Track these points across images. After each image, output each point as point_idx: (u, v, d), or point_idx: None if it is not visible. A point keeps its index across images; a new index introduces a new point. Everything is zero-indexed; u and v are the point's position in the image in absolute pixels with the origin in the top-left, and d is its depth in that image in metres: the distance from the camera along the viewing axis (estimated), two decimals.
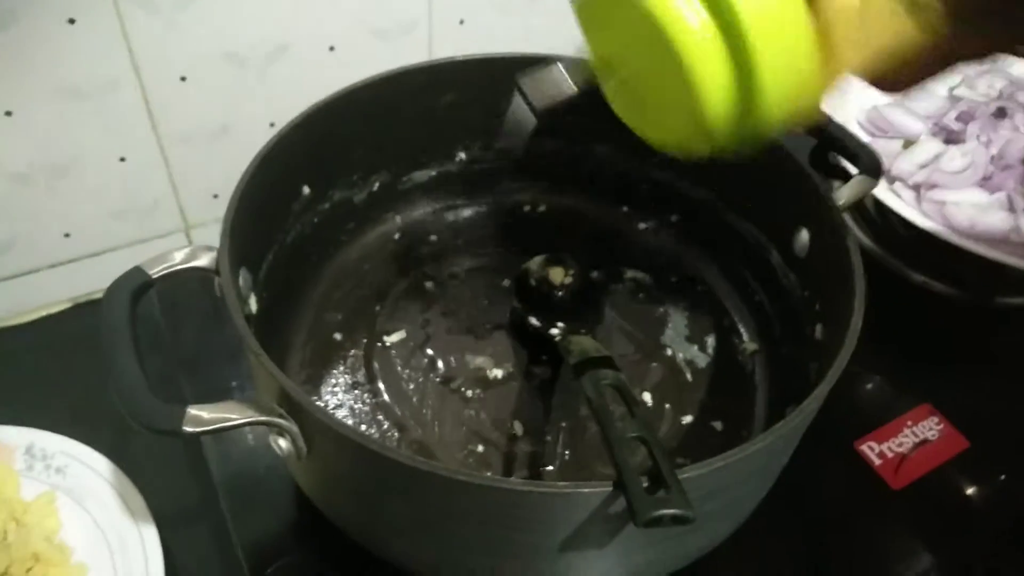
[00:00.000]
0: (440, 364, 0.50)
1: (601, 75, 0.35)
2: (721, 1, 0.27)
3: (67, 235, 0.58)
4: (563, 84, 0.38)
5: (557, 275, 0.49)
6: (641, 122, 0.35)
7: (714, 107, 0.29)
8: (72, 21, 0.49)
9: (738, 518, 0.40)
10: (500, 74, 0.52)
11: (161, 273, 0.37)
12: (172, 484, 0.49)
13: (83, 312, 0.59)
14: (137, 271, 0.37)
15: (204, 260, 0.38)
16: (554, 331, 0.48)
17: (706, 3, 0.28)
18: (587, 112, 0.53)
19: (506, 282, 0.54)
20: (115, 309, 0.35)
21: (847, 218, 0.42)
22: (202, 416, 0.32)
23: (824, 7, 0.29)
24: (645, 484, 0.29)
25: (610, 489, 0.30)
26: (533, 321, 0.49)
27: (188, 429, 0.32)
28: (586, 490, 0.31)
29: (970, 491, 0.51)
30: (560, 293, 0.49)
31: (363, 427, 0.47)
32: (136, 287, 0.36)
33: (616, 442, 0.31)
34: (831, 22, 0.28)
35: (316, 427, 0.33)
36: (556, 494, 0.31)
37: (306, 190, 0.49)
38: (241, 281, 0.40)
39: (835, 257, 0.41)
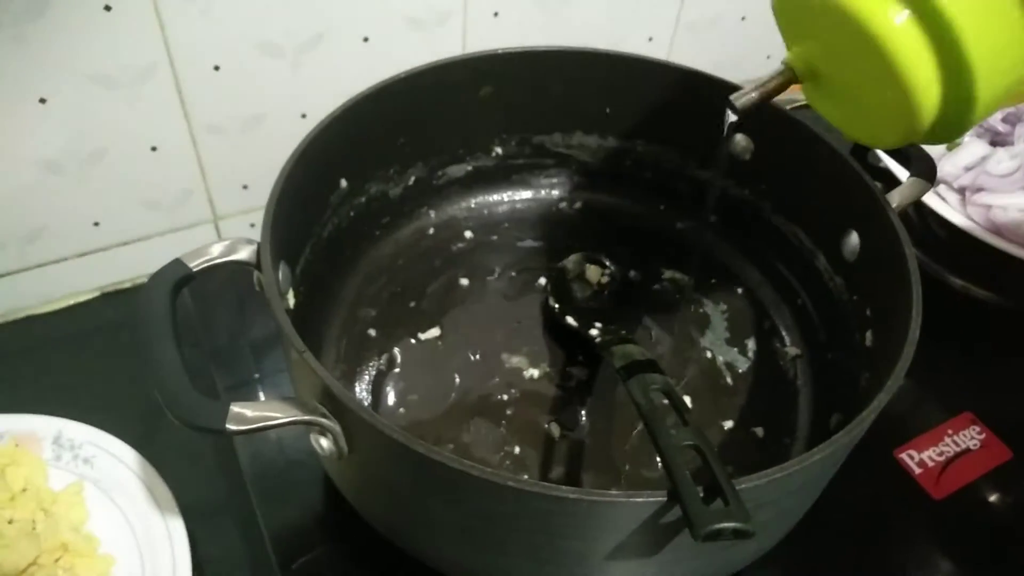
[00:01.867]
0: (475, 363, 0.49)
1: (802, 75, 0.35)
2: (934, 12, 0.27)
3: (96, 224, 0.58)
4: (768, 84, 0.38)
5: (594, 274, 0.49)
6: (843, 119, 0.35)
7: (927, 106, 0.29)
8: (108, 8, 0.48)
9: (785, 528, 0.39)
10: (538, 68, 0.52)
11: (201, 266, 0.36)
12: (199, 476, 0.49)
13: (111, 301, 0.59)
14: (177, 264, 0.36)
15: (244, 254, 0.37)
16: (592, 331, 0.47)
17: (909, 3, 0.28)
18: (626, 108, 0.53)
19: (542, 280, 0.53)
20: (155, 302, 0.34)
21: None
22: (245, 414, 0.32)
23: None
24: (701, 495, 0.28)
25: (664, 500, 0.29)
26: (570, 321, 0.48)
27: (232, 427, 0.31)
28: (639, 500, 0.30)
29: (1013, 501, 0.50)
30: (597, 292, 0.48)
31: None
32: (177, 280, 0.36)
33: (669, 450, 0.31)
34: None
35: (360, 427, 0.32)
36: (607, 503, 0.30)
37: (344, 183, 0.48)
38: (280, 276, 0.39)
39: (889, 262, 0.40)
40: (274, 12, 0.53)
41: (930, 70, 0.28)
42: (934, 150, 0.60)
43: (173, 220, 0.60)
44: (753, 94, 0.38)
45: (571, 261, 0.49)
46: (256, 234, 0.39)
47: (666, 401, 0.36)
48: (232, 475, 0.48)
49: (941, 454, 0.51)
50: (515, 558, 0.35)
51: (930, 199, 0.55)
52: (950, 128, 0.31)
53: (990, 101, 0.29)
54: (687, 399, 0.48)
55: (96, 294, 0.59)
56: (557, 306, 0.49)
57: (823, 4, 0.30)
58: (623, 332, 0.46)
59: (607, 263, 0.49)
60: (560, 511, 0.31)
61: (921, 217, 0.61)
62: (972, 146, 0.59)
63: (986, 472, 0.51)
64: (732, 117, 0.39)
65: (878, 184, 0.45)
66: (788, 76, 0.36)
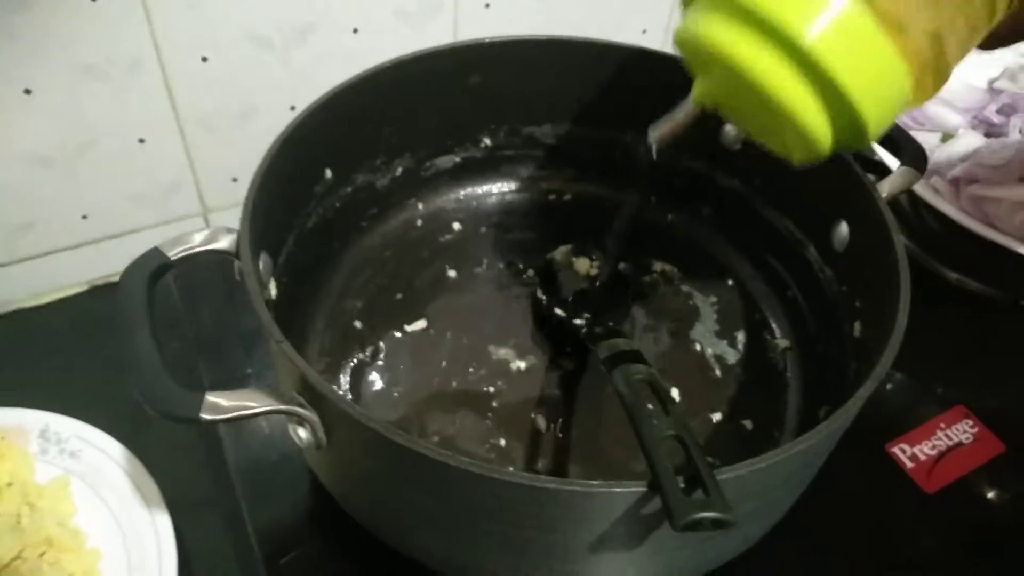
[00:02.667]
0: (462, 355, 0.49)
1: (709, 108, 0.37)
2: (811, 62, 0.29)
3: (85, 217, 0.58)
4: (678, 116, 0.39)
5: (583, 266, 0.48)
6: (759, 138, 0.36)
7: (821, 139, 0.32)
8: None
9: (772, 520, 0.38)
10: (527, 57, 0.51)
11: (180, 255, 0.36)
12: (186, 471, 0.48)
13: (100, 295, 0.59)
14: (155, 252, 0.36)
15: (224, 243, 0.37)
16: (579, 322, 0.47)
17: (792, 60, 0.30)
18: (617, 98, 0.53)
19: (531, 271, 0.53)
20: (132, 291, 0.34)
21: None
22: (220, 404, 0.32)
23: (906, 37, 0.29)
24: (682, 485, 0.28)
25: (644, 490, 0.29)
26: (558, 312, 0.48)
27: (206, 417, 0.31)
28: (619, 489, 0.29)
29: (1006, 495, 0.50)
30: (586, 284, 0.48)
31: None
32: (154, 269, 0.35)
33: (650, 441, 0.30)
34: (917, 51, 0.30)
35: (338, 417, 0.32)
36: (587, 493, 0.30)
37: (328, 173, 0.48)
38: (261, 265, 0.39)
39: (877, 252, 0.39)
40: (263, 3, 0.53)
41: (816, 111, 0.30)
42: (927, 141, 0.59)
43: (162, 213, 0.60)
44: (665, 128, 0.39)
45: (560, 252, 0.49)
46: None
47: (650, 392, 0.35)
48: (219, 470, 0.48)
49: (934, 448, 0.51)
50: (498, 551, 0.35)
51: (923, 191, 0.54)
52: (855, 143, 0.32)
53: (880, 121, 0.31)
54: (675, 391, 0.47)
55: (84, 287, 0.59)
56: (545, 298, 0.49)
57: (711, 51, 0.32)
58: (611, 324, 0.46)
59: (596, 255, 0.48)
60: (539, 501, 0.30)
61: (915, 209, 0.61)
62: (966, 137, 0.58)
63: (979, 466, 0.50)
64: (652, 148, 0.40)
65: (869, 175, 0.44)
66: (697, 111, 0.37)
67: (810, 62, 0.29)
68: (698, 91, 0.36)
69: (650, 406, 0.34)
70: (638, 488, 0.29)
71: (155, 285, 0.35)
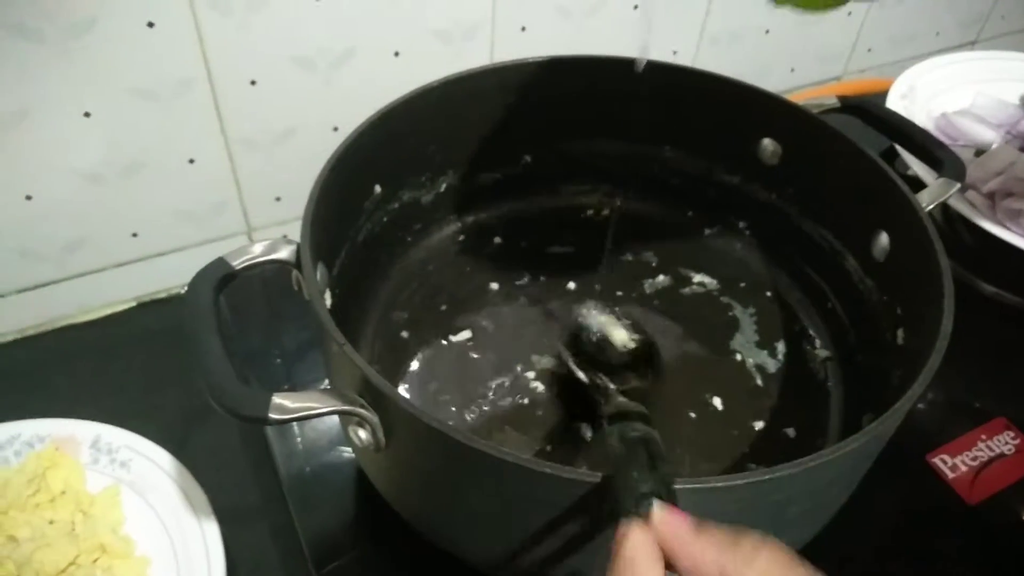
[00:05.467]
0: (505, 364, 0.50)
1: None
2: None
3: (135, 235, 0.59)
4: None
5: (620, 337, 0.46)
6: None
7: None
8: (151, 24, 0.50)
9: (818, 525, 0.39)
10: (565, 76, 0.52)
11: (243, 264, 0.37)
12: (234, 480, 0.49)
13: (148, 311, 0.60)
14: (220, 262, 0.37)
15: (284, 253, 0.38)
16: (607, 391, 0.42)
17: None
18: (655, 112, 0.54)
19: (571, 284, 0.53)
20: (199, 298, 0.35)
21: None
22: (286, 404, 0.32)
23: None
24: None
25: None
26: (580, 375, 0.44)
27: (273, 416, 0.32)
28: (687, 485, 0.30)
29: None
30: (622, 356, 0.45)
31: None
32: (220, 278, 0.36)
33: (623, 491, 0.29)
34: None
35: (399, 417, 0.33)
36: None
37: (378, 189, 0.49)
38: (318, 276, 0.40)
39: (919, 259, 0.40)
40: (308, 28, 0.55)
41: None
42: (961, 156, 0.60)
43: (208, 231, 0.62)
44: None
45: (595, 318, 0.46)
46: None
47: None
48: (266, 478, 0.49)
49: (975, 459, 0.51)
50: (555, 551, 0.36)
51: (959, 204, 0.55)
52: None
53: None
54: (718, 400, 0.48)
55: (133, 304, 0.61)
56: (571, 356, 0.46)
57: None
58: (634, 391, 0.42)
59: (634, 328, 0.46)
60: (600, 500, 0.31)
61: (949, 223, 0.61)
62: (1002, 152, 0.59)
63: (1021, 477, 0.50)
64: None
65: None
66: None
67: None
68: None
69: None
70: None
71: (220, 293, 0.36)
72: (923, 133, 0.45)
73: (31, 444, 0.48)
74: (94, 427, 0.49)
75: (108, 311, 0.60)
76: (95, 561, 0.44)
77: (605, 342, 0.46)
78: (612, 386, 0.41)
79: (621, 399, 0.40)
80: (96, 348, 0.57)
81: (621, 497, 0.29)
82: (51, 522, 0.45)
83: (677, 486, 0.29)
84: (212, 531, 0.44)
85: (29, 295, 0.57)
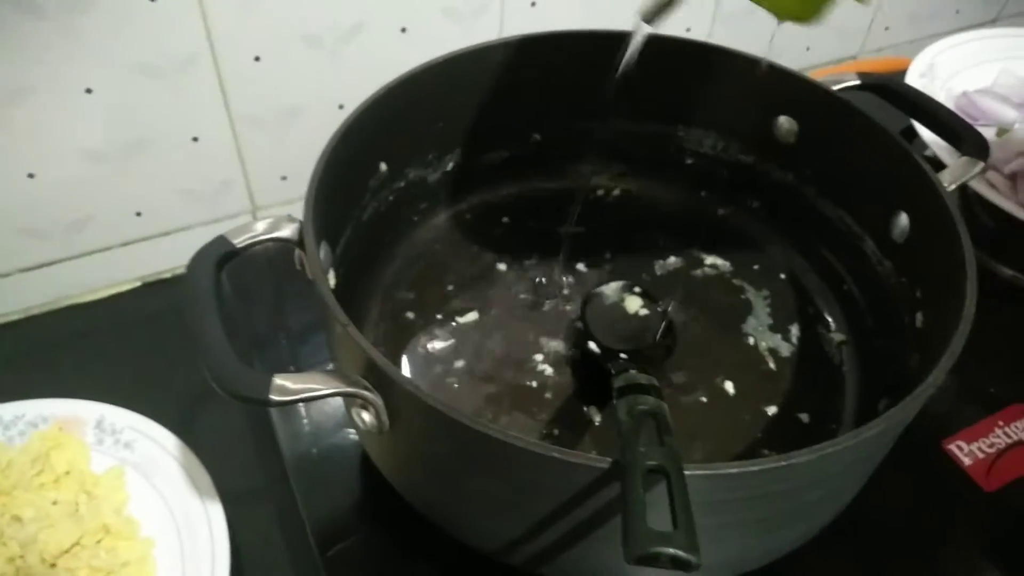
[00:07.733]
0: (513, 346, 0.49)
1: None
2: None
3: (139, 214, 0.59)
4: None
5: (633, 304, 0.47)
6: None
7: None
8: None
9: (833, 511, 0.38)
10: (575, 51, 0.51)
11: (245, 243, 0.37)
12: (238, 461, 0.49)
13: (152, 291, 0.60)
14: (221, 240, 0.36)
15: (287, 231, 0.37)
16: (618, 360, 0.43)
17: None
18: (666, 92, 0.52)
19: (580, 265, 0.52)
20: (200, 278, 0.35)
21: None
22: (287, 386, 0.32)
23: None
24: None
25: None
26: (593, 347, 0.45)
27: (274, 398, 0.31)
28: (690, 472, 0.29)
29: None
30: (633, 323, 0.45)
31: None
32: (220, 256, 0.36)
33: (632, 466, 0.29)
34: None
35: (403, 399, 0.32)
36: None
37: (383, 167, 0.48)
38: (321, 254, 0.39)
39: (940, 241, 0.39)
40: (314, 3, 0.54)
41: None
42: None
43: (213, 210, 0.61)
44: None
45: (611, 288, 0.48)
46: None
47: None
48: (271, 460, 0.48)
49: (992, 446, 0.50)
50: (560, 534, 0.35)
51: (979, 186, 0.54)
52: None
53: None
54: (729, 384, 0.47)
55: (137, 283, 0.60)
56: (586, 333, 0.46)
57: None
58: (645, 362, 0.42)
59: (648, 297, 0.47)
60: (605, 484, 0.30)
61: (967, 205, 0.60)
62: (1023, 131, 0.57)
63: None
64: (645, 29, 0.39)
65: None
66: None
67: None
68: None
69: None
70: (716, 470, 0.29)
71: (221, 271, 0.35)
72: (947, 111, 0.44)
73: (35, 424, 0.47)
74: (98, 407, 0.49)
75: (112, 291, 0.60)
76: (99, 542, 0.44)
77: (618, 309, 0.46)
78: (624, 355, 0.41)
79: (632, 371, 0.39)
80: (100, 328, 0.57)
81: (629, 472, 0.29)
82: (55, 503, 0.45)
83: (688, 472, 0.29)
84: (216, 513, 0.44)
85: (33, 274, 0.57)
